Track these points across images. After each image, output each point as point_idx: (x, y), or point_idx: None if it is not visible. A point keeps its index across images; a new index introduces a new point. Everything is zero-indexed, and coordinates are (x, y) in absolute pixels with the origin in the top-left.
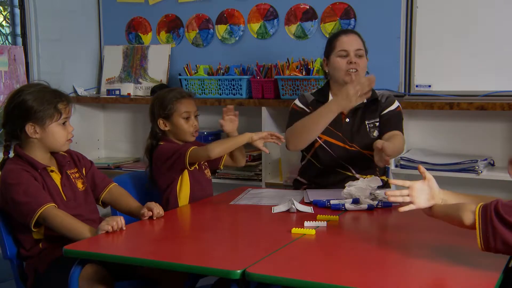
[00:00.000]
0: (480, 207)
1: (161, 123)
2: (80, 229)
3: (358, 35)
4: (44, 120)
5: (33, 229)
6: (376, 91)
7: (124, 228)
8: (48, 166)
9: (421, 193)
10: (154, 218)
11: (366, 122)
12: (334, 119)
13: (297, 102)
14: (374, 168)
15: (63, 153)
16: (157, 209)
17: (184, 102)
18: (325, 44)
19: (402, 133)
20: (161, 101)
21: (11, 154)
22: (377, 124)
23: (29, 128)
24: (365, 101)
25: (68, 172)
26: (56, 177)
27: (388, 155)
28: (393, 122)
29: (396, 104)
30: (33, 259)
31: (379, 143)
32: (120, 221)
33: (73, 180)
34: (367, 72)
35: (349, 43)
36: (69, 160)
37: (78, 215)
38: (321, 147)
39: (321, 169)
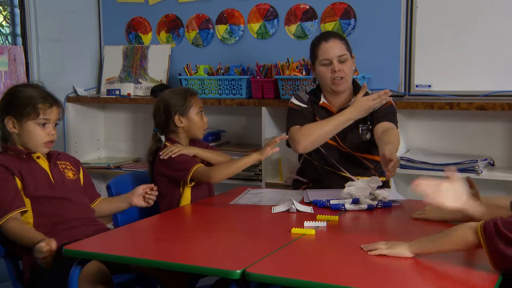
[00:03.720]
0: (481, 226)
1: (177, 119)
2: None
3: (339, 38)
4: (21, 117)
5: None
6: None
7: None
8: (33, 152)
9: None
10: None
11: (360, 125)
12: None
13: (294, 100)
14: (368, 170)
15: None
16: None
17: (197, 98)
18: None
19: (396, 126)
20: (177, 98)
21: None
22: (370, 127)
23: (8, 122)
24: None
25: (58, 162)
26: (44, 164)
27: (389, 171)
28: (385, 113)
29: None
30: (28, 256)
31: (387, 154)
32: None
33: (63, 169)
34: (355, 69)
35: (330, 50)
36: (60, 154)
37: (67, 198)
38: None
39: (317, 168)
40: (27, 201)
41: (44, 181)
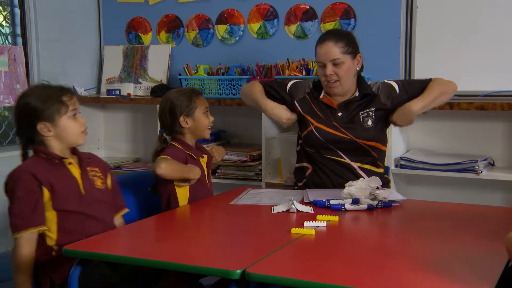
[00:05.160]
0: None
1: (182, 120)
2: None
3: (334, 41)
4: (53, 117)
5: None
6: (369, 83)
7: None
8: (65, 158)
9: None
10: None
11: (360, 112)
12: (327, 112)
13: (292, 81)
14: (371, 158)
15: (84, 152)
16: None
17: (202, 98)
18: None
19: (417, 82)
20: (182, 99)
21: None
22: (371, 113)
23: (41, 127)
24: (357, 94)
25: (88, 168)
26: (75, 171)
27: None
28: (413, 88)
29: (394, 83)
30: (47, 268)
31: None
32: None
33: (92, 177)
34: (360, 67)
35: (323, 54)
36: (90, 158)
37: (94, 217)
38: (311, 132)
39: (315, 156)
40: (53, 214)
41: (74, 192)
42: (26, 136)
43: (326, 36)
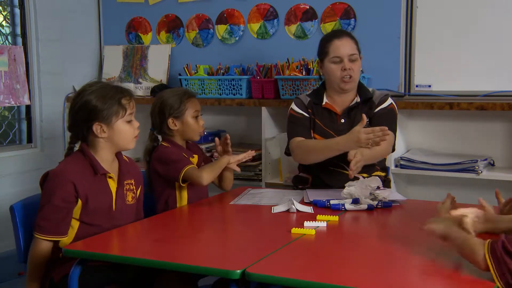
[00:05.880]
0: (488, 248)
1: (171, 122)
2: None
3: (350, 37)
4: (110, 118)
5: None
6: (370, 89)
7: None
8: (108, 172)
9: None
10: None
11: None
12: (330, 119)
13: (294, 107)
14: (372, 166)
15: (126, 158)
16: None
17: (194, 101)
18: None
19: (394, 132)
20: (173, 100)
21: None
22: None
23: (96, 128)
24: (358, 100)
25: (125, 182)
26: (113, 185)
27: (351, 169)
28: (383, 120)
29: (388, 101)
30: (50, 266)
31: (351, 154)
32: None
33: (126, 191)
34: (362, 71)
35: (342, 48)
36: (130, 166)
37: (117, 224)
38: None
39: (315, 167)
40: (76, 223)
41: (105, 208)
42: (78, 134)
43: (342, 32)
